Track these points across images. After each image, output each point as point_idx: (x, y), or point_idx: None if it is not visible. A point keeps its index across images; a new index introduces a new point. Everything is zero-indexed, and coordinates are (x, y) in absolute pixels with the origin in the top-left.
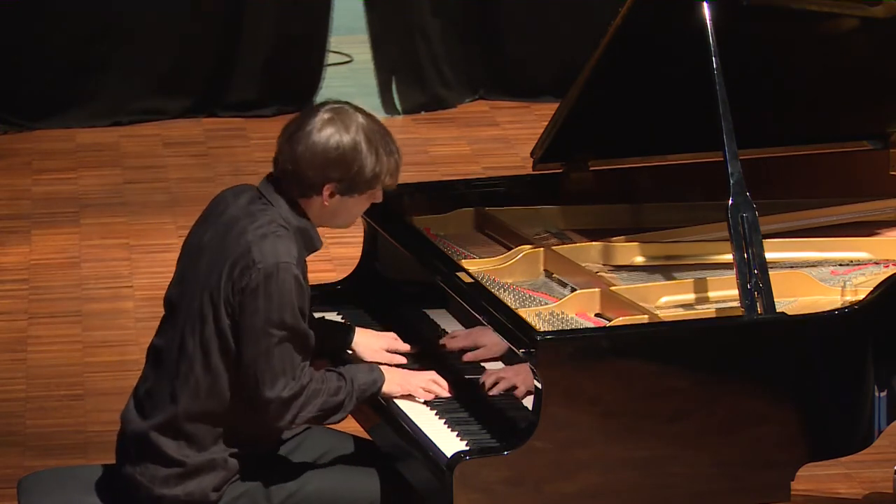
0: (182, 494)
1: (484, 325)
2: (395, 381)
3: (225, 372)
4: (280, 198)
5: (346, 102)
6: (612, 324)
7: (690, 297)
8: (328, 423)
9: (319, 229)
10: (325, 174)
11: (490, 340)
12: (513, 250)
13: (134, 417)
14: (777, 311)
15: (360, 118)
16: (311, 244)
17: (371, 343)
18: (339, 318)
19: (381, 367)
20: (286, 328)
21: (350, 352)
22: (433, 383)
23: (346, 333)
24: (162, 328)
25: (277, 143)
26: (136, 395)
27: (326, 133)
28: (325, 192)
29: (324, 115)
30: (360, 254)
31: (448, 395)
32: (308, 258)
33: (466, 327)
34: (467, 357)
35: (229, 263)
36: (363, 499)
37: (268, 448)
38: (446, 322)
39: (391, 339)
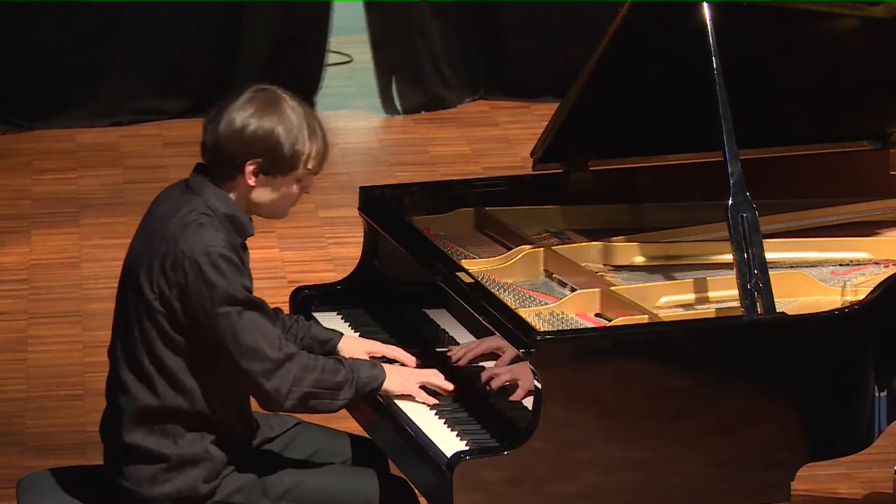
0: (172, 492)
1: (486, 330)
2: (397, 381)
3: (176, 363)
4: (207, 186)
5: (274, 86)
6: (612, 324)
7: (690, 297)
8: (326, 410)
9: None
10: (246, 149)
11: (499, 345)
12: (513, 250)
13: (108, 423)
14: (777, 311)
15: (284, 99)
16: (241, 230)
17: (357, 345)
18: (338, 318)
19: (384, 365)
20: (238, 302)
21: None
22: (435, 380)
23: (331, 338)
24: (112, 332)
25: (203, 128)
26: (107, 399)
27: (246, 111)
28: (248, 170)
29: (246, 96)
30: (360, 254)
31: (447, 394)
32: (308, 258)
33: (466, 327)
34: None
35: (158, 259)
36: (360, 497)
37: (249, 436)
38: (446, 322)
39: (376, 344)
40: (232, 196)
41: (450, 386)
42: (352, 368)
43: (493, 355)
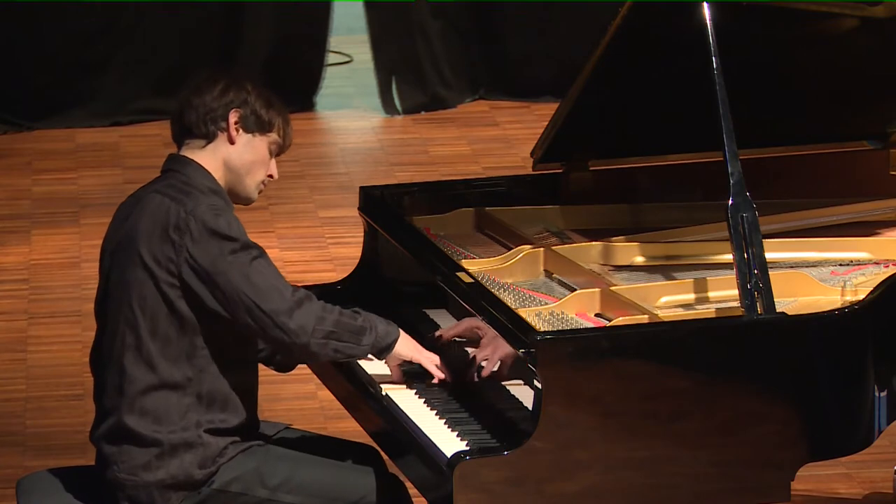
0: (167, 477)
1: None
2: (409, 345)
3: (180, 338)
4: (187, 164)
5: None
6: (612, 324)
7: (690, 297)
8: (350, 355)
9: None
10: (225, 99)
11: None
12: (513, 250)
13: (101, 420)
14: (777, 311)
15: (251, 78)
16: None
17: None
18: None
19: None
20: (248, 247)
21: None
22: (439, 364)
23: None
24: (100, 331)
25: (172, 118)
26: (97, 403)
27: (216, 74)
28: (232, 120)
29: (211, 71)
30: (360, 254)
31: (445, 380)
32: (308, 258)
33: None
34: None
35: (160, 226)
36: (356, 491)
37: (244, 420)
38: (446, 322)
39: None
40: (212, 170)
41: (445, 376)
42: (368, 317)
43: (473, 337)
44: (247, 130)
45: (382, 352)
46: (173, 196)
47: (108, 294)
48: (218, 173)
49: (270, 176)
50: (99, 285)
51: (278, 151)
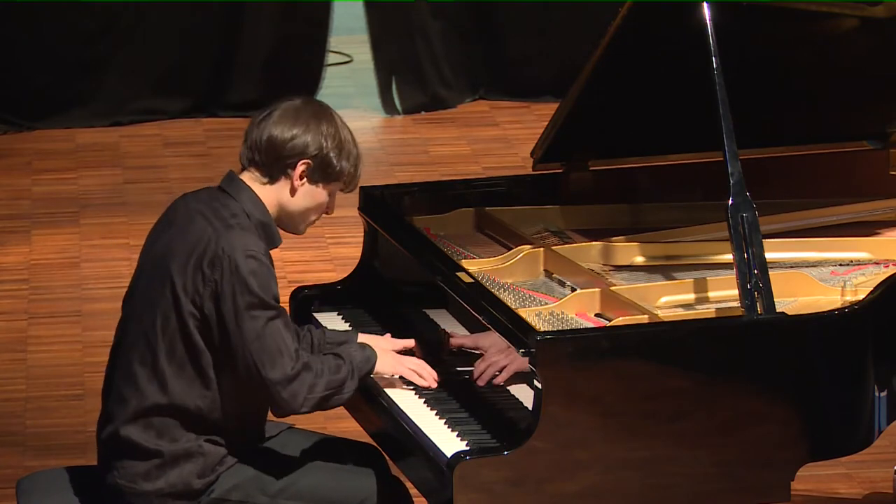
0: (166, 486)
1: (486, 329)
2: (387, 362)
3: (194, 363)
4: (243, 191)
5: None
6: (612, 324)
7: (690, 297)
8: (335, 406)
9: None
10: (299, 144)
11: (491, 343)
12: (513, 250)
13: (105, 423)
14: (777, 311)
15: (331, 111)
16: (271, 240)
17: (376, 343)
18: (339, 318)
19: (372, 345)
20: (268, 307)
21: None
22: (422, 368)
23: (345, 340)
24: (123, 328)
25: (245, 136)
26: (105, 401)
27: (305, 113)
28: (300, 170)
29: (298, 101)
30: (360, 254)
31: (435, 384)
32: (308, 258)
33: (466, 327)
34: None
35: (196, 255)
36: (357, 496)
37: (247, 439)
38: (446, 322)
39: (390, 340)
40: (266, 203)
41: (433, 381)
42: (349, 360)
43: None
44: (311, 182)
45: (363, 379)
46: (216, 227)
47: (134, 295)
48: (272, 209)
49: (326, 212)
50: (132, 278)
51: (344, 188)
